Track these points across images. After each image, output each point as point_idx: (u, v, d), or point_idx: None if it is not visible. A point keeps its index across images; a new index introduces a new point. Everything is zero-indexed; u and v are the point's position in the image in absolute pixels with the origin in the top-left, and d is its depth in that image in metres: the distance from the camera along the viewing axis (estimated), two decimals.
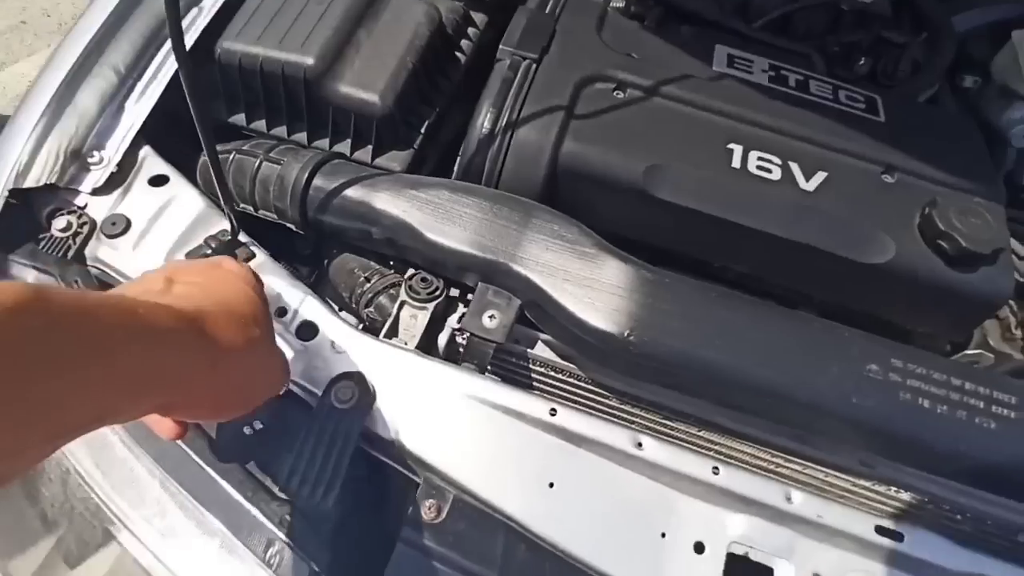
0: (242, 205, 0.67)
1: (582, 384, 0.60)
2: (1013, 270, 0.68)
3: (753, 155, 0.70)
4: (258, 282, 0.49)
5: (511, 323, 0.57)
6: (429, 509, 0.51)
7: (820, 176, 0.70)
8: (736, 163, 0.69)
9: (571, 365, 0.60)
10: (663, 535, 0.53)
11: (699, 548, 0.53)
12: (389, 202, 0.60)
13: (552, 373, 0.61)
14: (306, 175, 0.61)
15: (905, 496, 0.56)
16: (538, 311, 0.59)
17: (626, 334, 0.53)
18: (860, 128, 0.75)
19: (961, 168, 0.73)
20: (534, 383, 0.61)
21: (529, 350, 0.61)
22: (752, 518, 0.53)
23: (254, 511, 0.50)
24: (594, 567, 0.51)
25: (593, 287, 0.55)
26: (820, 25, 0.90)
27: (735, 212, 0.67)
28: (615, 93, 0.72)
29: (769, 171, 0.69)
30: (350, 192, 0.61)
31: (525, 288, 0.57)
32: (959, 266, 0.66)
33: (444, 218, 0.59)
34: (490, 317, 0.57)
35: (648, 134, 0.69)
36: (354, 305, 0.64)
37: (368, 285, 0.63)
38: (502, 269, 0.58)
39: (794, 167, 0.70)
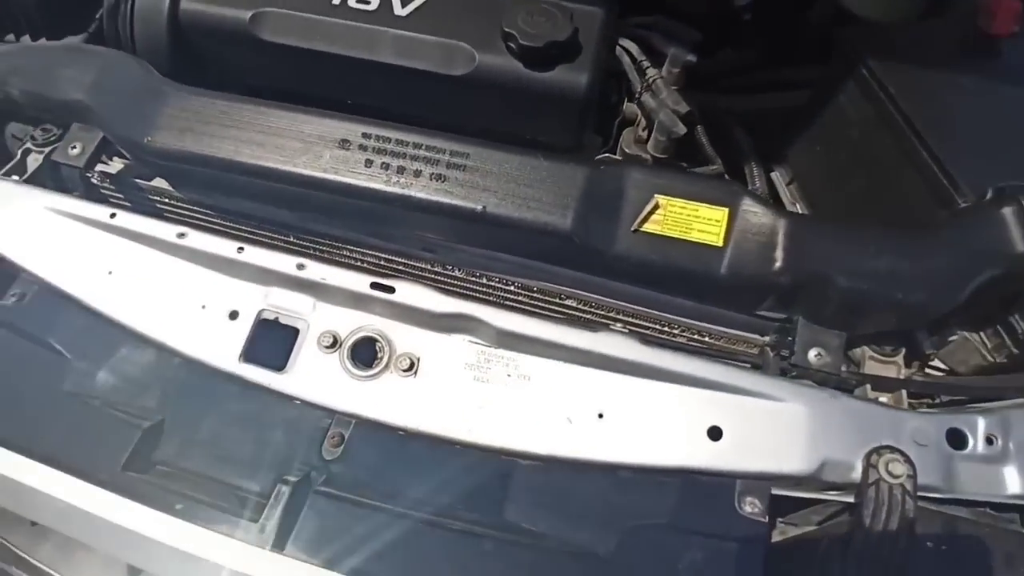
0: None
1: (156, 189, 0.71)
2: (593, 68, 0.72)
3: None
4: None
5: (91, 149, 0.67)
6: (13, 296, 0.64)
7: (417, 2, 0.76)
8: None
9: (156, 184, 0.71)
10: (203, 307, 0.63)
11: (234, 315, 0.63)
12: (5, 61, 0.71)
13: (141, 188, 0.71)
14: None
15: (394, 257, 0.64)
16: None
17: (146, 140, 0.63)
18: None
19: None
20: (125, 201, 0.71)
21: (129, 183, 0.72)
22: (276, 288, 0.63)
23: None
24: (139, 332, 0.62)
25: (136, 108, 0.65)
26: None
27: (334, 44, 0.74)
28: None
29: (367, 2, 0.75)
30: None
31: (99, 122, 0.68)
32: (533, 65, 0.71)
33: (38, 67, 0.70)
34: (72, 147, 0.68)
35: None
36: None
37: (18, 144, 0.75)
38: (83, 107, 0.68)
39: None
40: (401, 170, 0.60)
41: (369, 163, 0.60)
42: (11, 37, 0.83)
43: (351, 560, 0.50)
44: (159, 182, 0.73)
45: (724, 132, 0.84)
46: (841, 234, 0.55)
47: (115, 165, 0.73)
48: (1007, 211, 0.53)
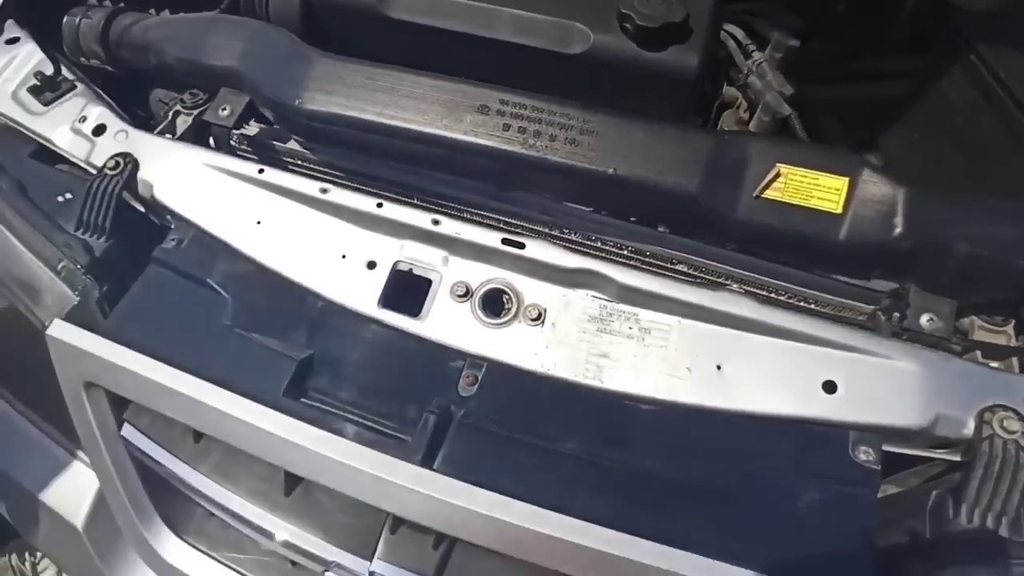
0: (89, 60, 0.87)
1: (290, 151, 0.77)
2: (705, 48, 0.76)
3: None
4: None
5: (239, 111, 0.73)
6: (173, 240, 0.70)
7: None
8: None
9: (289, 146, 0.77)
10: (344, 256, 0.69)
11: (371, 265, 0.68)
12: (157, 32, 0.78)
13: (276, 149, 0.77)
14: (103, 19, 0.80)
15: (525, 222, 0.69)
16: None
17: (296, 102, 0.68)
18: None
19: None
20: (267, 160, 0.77)
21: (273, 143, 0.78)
22: (410, 241, 0.68)
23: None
24: (286, 276, 0.68)
25: (286, 73, 0.71)
26: None
27: (458, 22, 0.79)
28: None
29: None
30: (134, 30, 0.79)
31: (250, 87, 0.74)
32: (647, 45, 0.75)
33: (192, 37, 0.76)
34: (222, 109, 0.74)
35: None
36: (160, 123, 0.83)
37: (165, 107, 0.82)
38: (233, 73, 0.74)
39: None
40: (537, 134, 0.65)
41: (507, 127, 0.65)
42: (152, 11, 0.90)
43: (494, 480, 0.55)
44: (292, 145, 0.79)
45: (815, 118, 0.87)
46: (960, 203, 0.58)
47: (251, 128, 0.79)
48: None
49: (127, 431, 0.67)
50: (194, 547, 0.69)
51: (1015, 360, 0.59)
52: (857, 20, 0.94)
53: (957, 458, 0.58)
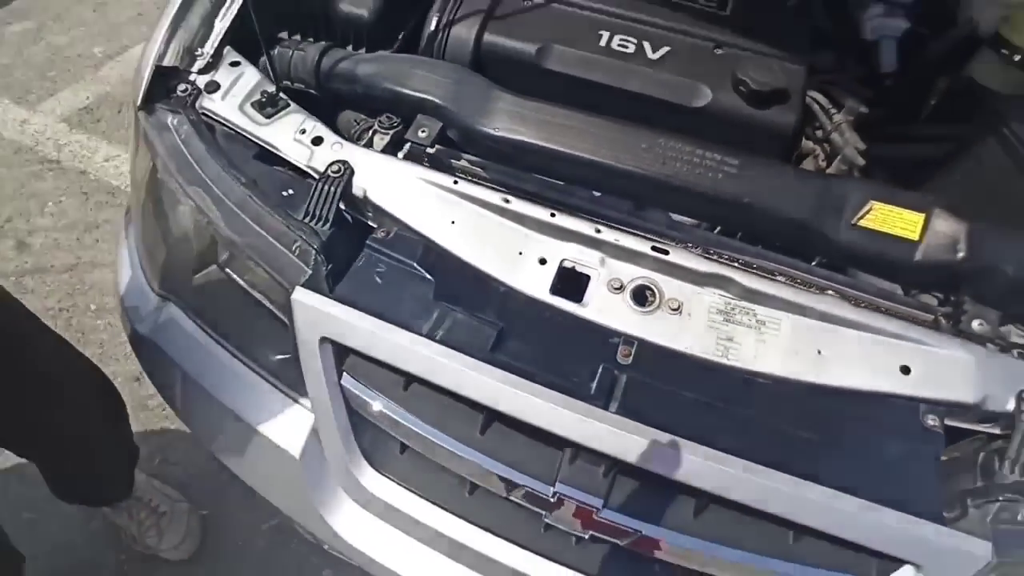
0: (294, 84, 1.06)
1: (477, 169, 0.95)
2: (800, 110, 0.97)
3: (616, 37, 1.02)
4: None
5: (435, 134, 0.93)
6: (383, 232, 0.88)
7: (664, 50, 1.02)
8: (603, 43, 1.02)
9: (474, 165, 0.96)
10: (520, 253, 0.87)
11: (543, 262, 0.87)
12: (367, 67, 0.97)
13: (465, 164, 0.96)
14: (317, 54, 1.00)
15: (668, 232, 0.88)
16: (452, 130, 0.95)
17: (494, 130, 0.88)
18: (705, 18, 1.06)
19: (776, 41, 1.02)
20: (456, 173, 0.96)
21: (452, 160, 0.97)
22: (574, 245, 0.87)
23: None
24: (475, 266, 0.86)
25: (482, 106, 0.91)
26: None
27: (601, 75, 1.00)
28: (523, 1, 1.06)
29: (627, 47, 1.02)
30: (344, 64, 0.99)
31: (447, 115, 0.93)
32: (754, 104, 0.96)
33: (399, 74, 0.95)
34: (421, 131, 0.93)
35: (541, 26, 1.03)
36: (351, 138, 1.02)
37: (357, 126, 1.01)
38: (433, 104, 0.94)
39: (645, 44, 1.02)
40: (685, 167, 0.84)
41: (664, 161, 0.85)
42: (297, 37, 1.09)
43: (654, 420, 0.73)
44: (464, 163, 0.98)
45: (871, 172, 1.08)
46: (1010, 235, 0.78)
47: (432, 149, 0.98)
48: None
49: (346, 380, 0.84)
50: (389, 478, 0.86)
51: None
52: (908, 94, 1.16)
53: (998, 431, 0.77)
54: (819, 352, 0.79)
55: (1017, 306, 0.79)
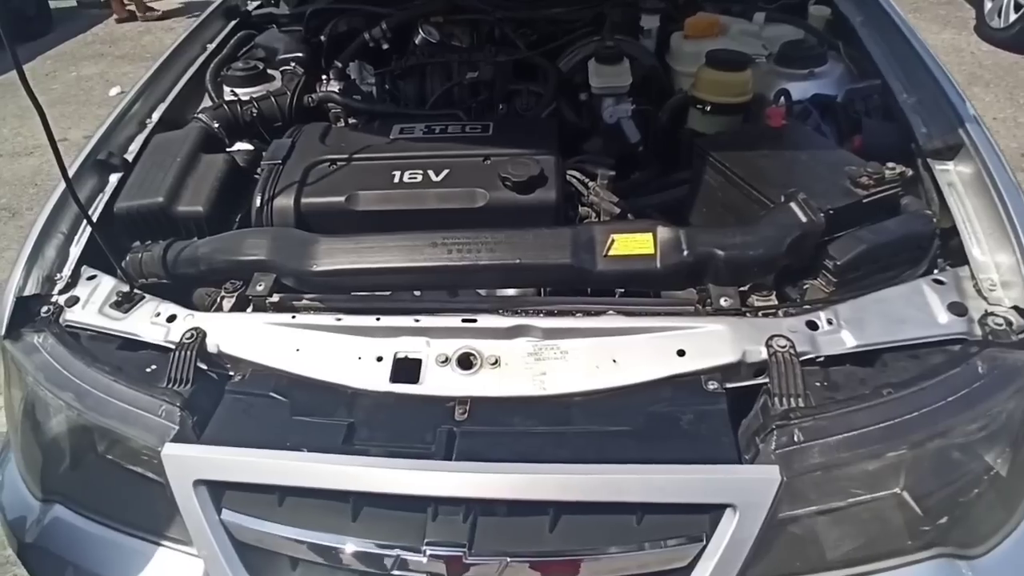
0: (148, 279, 1.21)
1: (316, 303, 1.12)
2: (559, 187, 1.22)
3: (406, 173, 1.27)
4: None
5: (271, 285, 1.10)
6: (239, 375, 1.01)
7: (445, 172, 1.26)
8: (397, 179, 1.26)
9: (313, 300, 1.12)
10: (359, 357, 1.01)
11: (379, 359, 1.01)
12: (204, 248, 1.16)
13: (305, 302, 1.12)
14: (162, 249, 1.17)
15: (475, 305, 1.05)
16: (286, 278, 1.12)
17: (313, 267, 1.06)
18: (473, 141, 1.33)
19: (531, 143, 1.29)
20: (298, 311, 1.12)
21: (294, 302, 1.13)
22: (402, 337, 1.02)
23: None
24: (322, 380, 0.99)
25: (300, 252, 1.09)
26: (466, 93, 1.53)
27: (401, 204, 1.22)
28: (328, 167, 1.30)
29: (416, 178, 1.26)
30: (186, 251, 1.17)
31: (277, 268, 1.11)
32: (521, 191, 1.20)
33: (232, 246, 1.14)
34: (258, 285, 1.10)
35: (346, 180, 1.26)
36: (204, 308, 1.17)
37: (208, 297, 1.17)
38: (264, 261, 1.12)
39: (430, 172, 1.26)
40: (469, 252, 1.04)
41: (449, 251, 1.04)
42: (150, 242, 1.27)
43: (493, 456, 0.85)
44: (304, 301, 1.14)
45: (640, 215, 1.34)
46: (713, 231, 1.01)
47: (274, 297, 1.15)
48: (792, 204, 1.00)
49: (225, 514, 0.91)
50: None
51: (780, 312, 0.98)
52: (656, 152, 1.46)
53: (766, 380, 0.94)
54: (614, 361, 0.96)
55: (745, 278, 1.00)
